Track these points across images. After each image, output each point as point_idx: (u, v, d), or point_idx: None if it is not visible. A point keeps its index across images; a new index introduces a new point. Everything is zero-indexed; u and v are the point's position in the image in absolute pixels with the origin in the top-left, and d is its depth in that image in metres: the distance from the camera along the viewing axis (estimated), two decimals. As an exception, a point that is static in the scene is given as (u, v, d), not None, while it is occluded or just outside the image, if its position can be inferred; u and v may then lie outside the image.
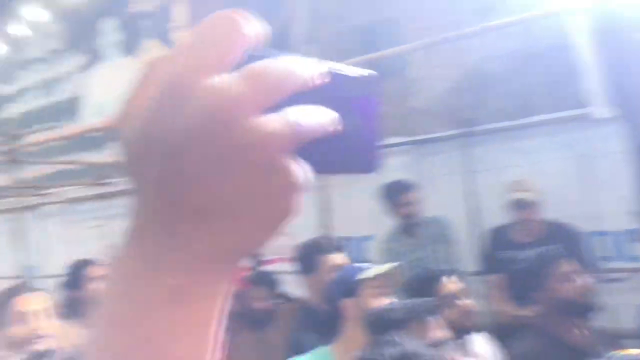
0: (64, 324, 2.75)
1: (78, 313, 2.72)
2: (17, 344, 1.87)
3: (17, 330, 1.90)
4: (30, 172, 8.99)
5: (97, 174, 8.55)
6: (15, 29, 8.35)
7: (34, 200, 9.09)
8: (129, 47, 9.37)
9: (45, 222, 9.61)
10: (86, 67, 10.12)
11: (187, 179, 0.31)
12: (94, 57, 9.93)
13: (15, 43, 10.02)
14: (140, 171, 0.33)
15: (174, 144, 0.31)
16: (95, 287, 2.74)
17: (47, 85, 10.83)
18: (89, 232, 8.89)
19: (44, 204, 9.57)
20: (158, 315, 0.32)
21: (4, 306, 1.94)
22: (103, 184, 8.52)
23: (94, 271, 2.80)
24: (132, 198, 0.34)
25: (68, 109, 10.19)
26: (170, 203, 0.32)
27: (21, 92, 11.34)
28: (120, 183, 8.56)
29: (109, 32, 9.73)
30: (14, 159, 6.22)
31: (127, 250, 0.34)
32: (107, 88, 9.71)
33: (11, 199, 10.04)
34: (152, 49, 9.02)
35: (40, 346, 1.89)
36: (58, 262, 8.83)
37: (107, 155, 9.48)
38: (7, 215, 10.47)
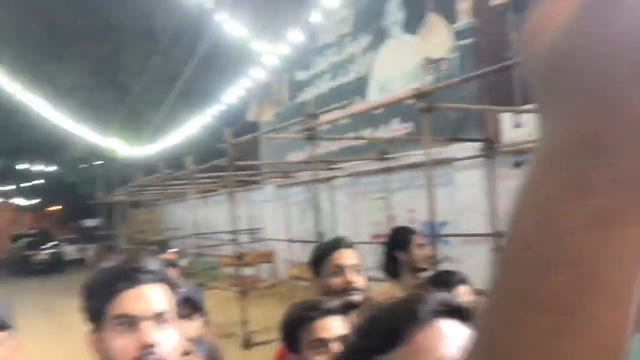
0: (384, 282, 2.97)
1: (397, 274, 2.90)
2: (333, 294, 2.04)
3: (334, 281, 2.09)
4: (323, 148, 9.97)
5: (381, 148, 9.04)
6: (313, 18, 9.23)
7: (325, 173, 10.03)
8: (412, 24, 9.61)
9: (334, 193, 10.60)
10: (372, 47, 10.77)
11: (624, 88, 0.28)
12: (380, 37, 10.48)
13: (311, 31, 11.09)
14: (561, 86, 0.29)
15: (609, 51, 0.28)
16: (417, 252, 2.88)
17: (337, 68, 11.87)
18: (373, 203, 9.50)
19: (334, 177, 10.56)
20: (582, 238, 0.29)
21: (323, 258, 2.16)
22: (386, 159, 8.96)
23: (416, 238, 2.94)
24: (545, 118, 0.31)
25: (356, 88, 11.02)
26: (602, 117, 0.28)
27: (315, 76, 12.67)
28: (401, 158, 8.90)
29: (394, 11, 10.13)
30: (312, 137, 6.90)
31: (543, 173, 0.31)
32: (391, 66, 10.18)
33: (307, 172, 11.34)
34: (435, 24, 9.09)
35: (354, 297, 2.05)
36: (344, 229, 9.68)
37: (390, 130, 9.98)
38: (304, 187, 11.90)
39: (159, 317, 1.13)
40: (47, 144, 21.27)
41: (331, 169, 10.39)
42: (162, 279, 1.19)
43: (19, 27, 17.65)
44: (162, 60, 15.55)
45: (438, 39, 8.97)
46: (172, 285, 1.21)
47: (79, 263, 24.55)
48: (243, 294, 8.56)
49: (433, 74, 8.69)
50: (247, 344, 8.09)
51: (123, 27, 18.50)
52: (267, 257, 12.83)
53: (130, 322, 1.11)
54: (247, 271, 11.39)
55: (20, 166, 27.13)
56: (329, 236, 8.35)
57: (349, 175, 10.39)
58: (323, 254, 2.18)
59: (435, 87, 5.46)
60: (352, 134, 9.78)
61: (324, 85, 12.26)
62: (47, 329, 10.01)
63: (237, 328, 8.47)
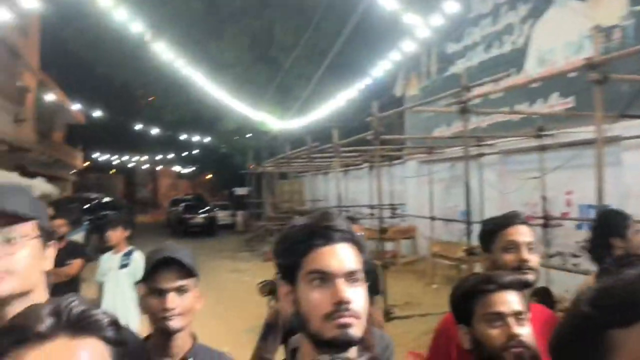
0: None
1: (600, 259, 2.69)
2: (506, 269, 1.94)
3: (507, 258, 1.98)
4: (474, 123, 9.59)
5: (537, 125, 8.47)
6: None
7: (475, 149, 9.65)
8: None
9: (482, 171, 10.18)
10: (531, 16, 10.06)
11: None
12: (541, 4, 9.73)
13: (466, 1, 10.61)
14: None
15: None
16: (635, 239, 2.65)
17: (492, 39, 11.28)
18: (525, 182, 8.98)
19: (482, 154, 10.13)
20: None
21: (496, 233, 2.05)
22: (543, 136, 8.38)
23: (634, 224, 2.70)
24: None
25: (511, 60, 10.39)
26: None
27: (467, 48, 12.17)
28: (559, 135, 8.28)
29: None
30: (465, 110, 6.65)
31: None
32: (552, 35, 9.43)
33: (453, 148, 11.01)
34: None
35: (528, 276, 1.93)
36: (492, 209, 9.28)
37: (548, 105, 9.31)
38: (448, 163, 11.60)
39: (351, 276, 1.15)
40: (204, 117, 22.91)
41: (480, 145, 9.97)
42: (353, 239, 1.20)
43: (184, 7, 19.06)
44: (313, 35, 15.89)
45: (610, 5, 8.11)
46: (361, 246, 1.22)
47: (229, 228, 26.38)
48: (384, 267, 8.61)
49: (603, 44, 7.90)
50: (388, 317, 8.15)
51: (277, 3, 19.20)
52: (408, 233, 12.77)
53: (325, 278, 1.14)
54: (388, 246, 11.43)
55: (181, 137, 29.52)
56: (475, 216, 8.08)
57: (499, 153, 9.89)
58: (495, 229, 2.07)
59: (609, 57, 4.95)
60: (505, 109, 9.29)
61: (476, 58, 11.74)
62: (201, 287, 10.92)
63: (377, 300, 8.57)
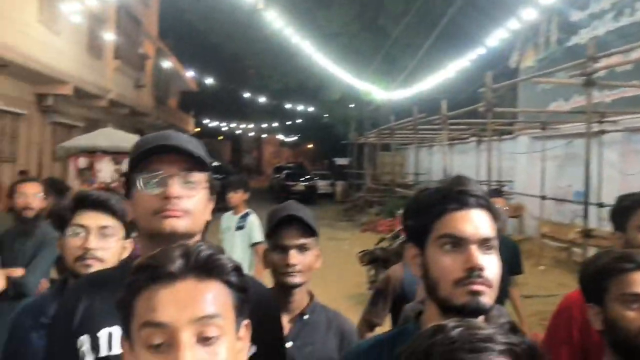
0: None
1: None
2: (639, 251, 1.80)
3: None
4: (596, 97, 8.91)
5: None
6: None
7: (596, 126, 8.98)
8: None
9: (602, 149, 9.46)
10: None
11: None
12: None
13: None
14: None
15: None
16: None
17: (623, 7, 10.33)
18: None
19: (605, 131, 9.39)
20: None
21: (632, 211, 1.90)
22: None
23: None
24: None
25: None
26: None
27: (593, 17, 11.24)
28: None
29: None
30: (590, 82, 6.16)
31: None
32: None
33: (572, 124, 10.32)
34: None
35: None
36: (611, 191, 8.63)
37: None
38: (563, 140, 10.92)
39: (485, 243, 1.11)
40: (308, 86, 23.18)
41: (602, 121, 9.25)
42: (488, 206, 1.16)
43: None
44: (424, 3, 15.42)
45: None
46: (496, 215, 1.17)
47: (328, 197, 26.74)
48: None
49: None
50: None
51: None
52: (515, 212, 12.26)
53: (457, 242, 1.11)
54: (493, 224, 11.04)
55: (286, 105, 30.13)
56: (592, 197, 7.57)
57: (624, 130, 9.15)
58: (633, 205, 1.92)
59: None
60: (636, 82, 8.53)
61: (602, 27, 10.81)
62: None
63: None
